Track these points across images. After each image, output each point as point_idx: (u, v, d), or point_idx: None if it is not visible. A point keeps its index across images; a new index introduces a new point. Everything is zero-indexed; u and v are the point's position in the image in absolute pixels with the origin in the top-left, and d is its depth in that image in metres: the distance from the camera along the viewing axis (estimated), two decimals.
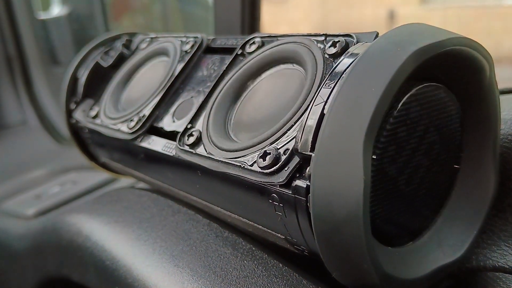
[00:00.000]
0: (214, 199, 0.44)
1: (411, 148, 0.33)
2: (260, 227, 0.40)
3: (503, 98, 0.43)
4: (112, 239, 0.48)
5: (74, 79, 0.64)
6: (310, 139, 0.32)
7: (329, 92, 0.32)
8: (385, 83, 0.29)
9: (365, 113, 0.29)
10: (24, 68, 1.36)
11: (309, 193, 0.31)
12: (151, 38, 0.62)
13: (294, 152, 0.33)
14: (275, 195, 0.35)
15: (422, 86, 0.33)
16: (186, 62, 0.52)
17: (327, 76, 0.34)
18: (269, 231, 0.39)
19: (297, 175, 0.33)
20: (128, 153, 0.53)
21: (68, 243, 0.53)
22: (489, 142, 0.37)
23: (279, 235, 0.38)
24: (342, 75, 0.33)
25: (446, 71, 0.34)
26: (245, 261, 0.40)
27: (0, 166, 1.12)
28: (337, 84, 0.32)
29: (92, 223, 0.51)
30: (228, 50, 0.50)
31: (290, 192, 0.33)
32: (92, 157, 0.65)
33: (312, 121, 0.32)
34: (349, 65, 0.33)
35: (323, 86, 0.33)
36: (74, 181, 0.89)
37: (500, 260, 0.40)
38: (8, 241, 0.73)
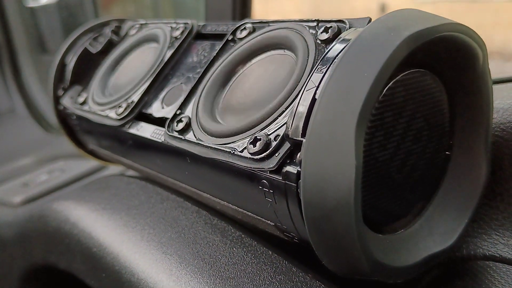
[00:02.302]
0: (203, 186, 0.43)
1: (399, 133, 0.33)
2: (250, 214, 0.39)
3: (495, 88, 0.43)
4: (100, 226, 0.47)
5: (62, 65, 0.63)
6: (301, 124, 0.31)
7: (321, 77, 0.32)
8: (378, 68, 0.28)
9: (357, 98, 0.28)
10: (12, 56, 1.35)
11: (299, 179, 0.31)
12: (141, 24, 0.61)
13: (285, 137, 0.33)
14: (265, 181, 0.34)
15: (408, 72, 0.33)
16: (176, 48, 0.51)
17: (319, 61, 0.33)
18: (259, 218, 0.38)
19: (288, 161, 0.33)
20: (117, 140, 0.52)
21: (55, 230, 0.52)
22: (481, 130, 0.37)
23: (269, 222, 0.37)
24: (334, 60, 0.32)
25: (439, 57, 0.34)
26: (234, 248, 0.40)
27: None
28: (329, 69, 0.32)
29: (80, 210, 0.51)
30: (218, 36, 0.49)
31: (281, 178, 0.33)
32: (80, 144, 0.64)
33: (303, 106, 0.31)
34: (341, 50, 0.33)
35: (315, 71, 0.32)
36: (62, 169, 0.88)
37: (490, 248, 0.39)
38: None
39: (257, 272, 0.37)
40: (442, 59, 0.34)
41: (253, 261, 0.38)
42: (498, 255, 0.39)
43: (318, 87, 0.31)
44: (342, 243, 0.30)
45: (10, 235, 0.67)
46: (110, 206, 0.49)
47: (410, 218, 0.37)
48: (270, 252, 0.39)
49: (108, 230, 0.46)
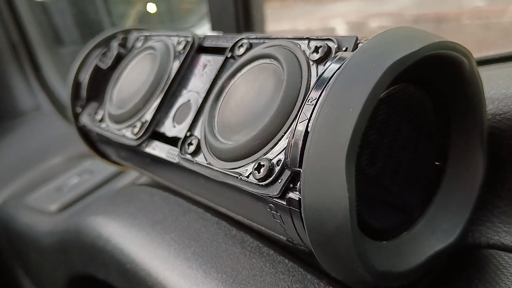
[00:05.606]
0: (219, 202, 0.46)
1: (386, 147, 0.35)
2: (263, 228, 0.42)
3: (491, 75, 0.44)
4: (129, 242, 0.51)
5: (77, 84, 0.65)
6: (298, 155, 0.33)
7: (312, 109, 0.34)
8: (361, 102, 0.30)
9: (345, 133, 0.30)
10: (30, 52, 1.36)
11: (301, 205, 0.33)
12: (145, 36, 0.63)
13: (285, 166, 0.35)
14: (271, 204, 0.37)
15: (392, 88, 0.34)
16: (180, 63, 0.53)
17: (310, 91, 0.35)
18: (272, 232, 0.41)
19: (291, 186, 0.35)
20: (136, 157, 0.55)
21: (90, 245, 0.56)
22: (476, 130, 0.39)
23: (281, 236, 0.40)
24: (322, 92, 0.34)
25: (425, 73, 0.35)
26: (253, 259, 0.43)
27: (20, 154, 1.15)
28: (318, 103, 0.34)
29: (110, 227, 0.54)
30: (219, 50, 0.51)
31: (285, 203, 0.35)
32: (103, 155, 0.67)
33: (298, 137, 0.33)
34: (329, 79, 0.34)
35: (306, 103, 0.34)
36: (91, 170, 0.92)
37: (493, 237, 0.41)
38: (37, 236, 0.77)
39: (275, 282, 0.40)
40: (430, 74, 0.36)
41: (271, 271, 0.42)
42: (501, 243, 0.41)
43: (309, 119, 0.33)
44: (345, 262, 0.32)
45: (51, 243, 0.71)
46: (138, 221, 0.53)
47: (412, 220, 0.39)
48: (286, 261, 0.42)
49: (137, 247, 0.49)
